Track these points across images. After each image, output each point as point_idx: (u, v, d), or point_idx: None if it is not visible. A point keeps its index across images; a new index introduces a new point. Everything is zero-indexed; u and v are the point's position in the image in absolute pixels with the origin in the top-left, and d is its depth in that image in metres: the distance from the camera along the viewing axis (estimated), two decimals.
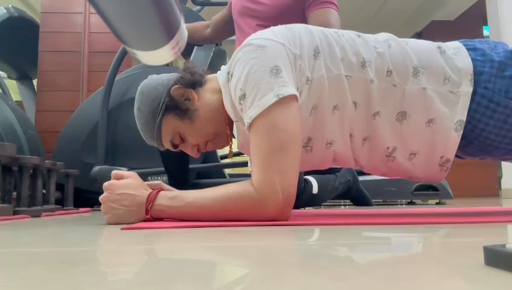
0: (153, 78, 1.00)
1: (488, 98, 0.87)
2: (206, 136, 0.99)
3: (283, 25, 0.95)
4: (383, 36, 0.97)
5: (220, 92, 0.96)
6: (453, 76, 0.90)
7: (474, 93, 0.88)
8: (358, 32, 0.97)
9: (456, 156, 0.97)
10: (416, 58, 0.92)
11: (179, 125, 0.97)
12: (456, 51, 0.93)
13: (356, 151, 0.95)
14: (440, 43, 0.96)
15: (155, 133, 0.97)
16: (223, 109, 0.96)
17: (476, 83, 0.88)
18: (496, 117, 0.87)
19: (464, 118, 0.88)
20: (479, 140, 0.90)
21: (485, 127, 0.88)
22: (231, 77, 0.89)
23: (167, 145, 1.00)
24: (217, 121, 0.97)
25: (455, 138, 0.90)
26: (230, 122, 0.99)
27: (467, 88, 0.88)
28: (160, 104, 0.96)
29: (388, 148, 0.93)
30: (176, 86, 0.96)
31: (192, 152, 1.01)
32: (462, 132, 0.89)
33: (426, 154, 0.93)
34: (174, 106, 0.96)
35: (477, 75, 0.89)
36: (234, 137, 1.02)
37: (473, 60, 0.90)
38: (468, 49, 0.93)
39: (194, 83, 0.98)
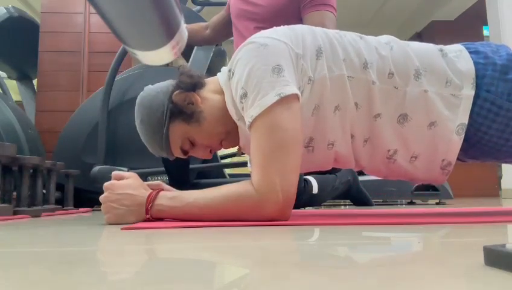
0: (150, 89, 0.98)
1: (491, 101, 0.87)
2: (218, 136, 0.97)
3: (286, 26, 0.95)
4: (385, 38, 0.96)
5: (221, 92, 0.95)
6: (454, 79, 0.89)
7: (476, 96, 0.88)
8: (360, 34, 0.97)
9: (458, 159, 0.97)
10: (418, 60, 0.91)
11: (188, 130, 0.94)
12: (458, 54, 0.92)
13: (357, 153, 0.95)
14: (442, 46, 0.96)
15: (164, 142, 0.95)
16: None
17: (478, 86, 0.88)
18: (498, 120, 0.87)
19: (466, 121, 0.88)
20: (482, 143, 0.90)
21: (488, 130, 0.88)
22: (232, 75, 0.88)
23: (177, 153, 0.98)
24: (226, 120, 0.95)
25: (457, 141, 0.89)
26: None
27: (469, 91, 0.88)
28: (165, 112, 0.93)
29: (389, 150, 0.93)
30: (177, 91, 0.95)
31: (204, 154, 0.99)
32: (463, 135, 0.89)
33: (427, 157, 0.93)
34: (179, 111, 0.94)
35: (480, 78, 0.88)
36: None
37: (475, 63, 0.90)
38: (470, 52, 0.92)
39: (194, 85, 0.96)
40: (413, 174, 0.96)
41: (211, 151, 1.00)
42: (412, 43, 0.97)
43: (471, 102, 0.88)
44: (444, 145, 0.90)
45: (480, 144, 0.90)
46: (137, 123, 0.97)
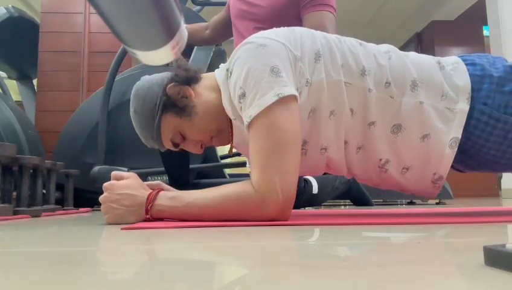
0: (146, 79, 0.99)
1: (488, 114, 0.87)
2: (208, 132, 0.97)
3: (285, 27, 0.95)
4: (384, 47, 0.96)
5: (217, 90, 0.95)
6: (450, 92, 0.89)
7: (473, 109, 0.88)
8: (359, 40, 0.97)
9: (457, 169, 0.97)
10: (415, 71, 0.91)
11: (179, 123, 0.95)
12: (455, 67, 0.92)
13: (350, 160, 0.95)
14: (439, 58, 0.96)
15: (155, 133, 0.96)
16: (222, 106, 0.95)
17: (475, 99, 0.88)
18: (496, 133, 0.87)
19: (460, 135, 0.88)
20: (480, 155, 0.90)
21: (485, 143, 0.88)
22: (230, 74, 0.88)
23: (168, 145, 0.99)
24: (218, 117, 0.96)
25: (449, 154, 0.89)
26: (231, 120, 0.98)
27: (464, 106, 0.88)
28: (157, 104, 0.94)
29: (381, 159, 0.93)
30: (171, 84, 0.96)
31: (194, 149, 1.00)
32: (456, 149, 0.89)
33: (419, 170, 0.93)
34: (172, 104, 0.94)
35: (476, 91, 0.88)
36: None
37: (471, 75, 0.90)
38: (467, 64, 0.92)
39: (189, 79, 0.97)
40: (404, 185, 0.96)
41: (202, 147, 1.00)
42: (411, 54, 0.97)
43: (465, 117, 0.88)
44: (437, 158, 0.90)
45: (478, 156, 0.90)
46: (131, 112, 0.98)
